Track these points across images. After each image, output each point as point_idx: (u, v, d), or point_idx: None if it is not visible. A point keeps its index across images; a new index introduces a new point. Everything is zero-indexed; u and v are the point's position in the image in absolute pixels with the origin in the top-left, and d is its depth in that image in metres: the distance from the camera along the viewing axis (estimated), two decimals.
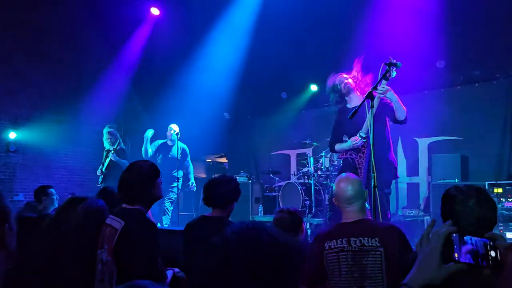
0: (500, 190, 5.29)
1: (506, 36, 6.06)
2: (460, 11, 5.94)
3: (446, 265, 1.05)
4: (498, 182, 5.48)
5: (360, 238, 2.29)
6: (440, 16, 6.09)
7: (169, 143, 6.91)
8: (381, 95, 3.73)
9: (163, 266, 2.54)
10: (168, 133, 6.85)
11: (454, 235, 1.05)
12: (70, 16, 7.35)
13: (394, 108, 3.97)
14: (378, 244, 2.25)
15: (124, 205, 2.44)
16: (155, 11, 7.93)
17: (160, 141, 6.93)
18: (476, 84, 7.12)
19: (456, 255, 1.03)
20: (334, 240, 2.34)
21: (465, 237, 1.05)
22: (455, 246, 1.04)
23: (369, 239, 2.27)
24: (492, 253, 1.03)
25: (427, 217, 6.25)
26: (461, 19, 6.10)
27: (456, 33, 6.17)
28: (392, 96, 3.87)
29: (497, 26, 5.99)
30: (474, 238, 1.04)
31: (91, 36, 7.42)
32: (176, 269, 3.03)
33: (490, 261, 1.03)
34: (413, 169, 7.78)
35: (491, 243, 1.04)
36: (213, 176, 3.37)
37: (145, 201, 2.46)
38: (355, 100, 4.29)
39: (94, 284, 2.35)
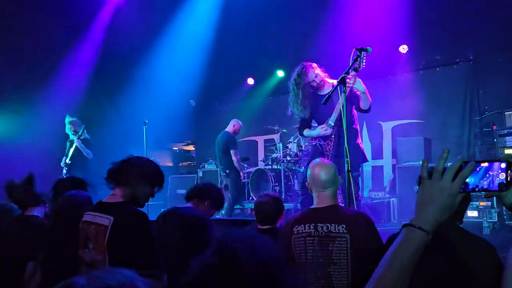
0: None
1: (465, 21, 6.26)
2: None
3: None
4: None
5: (327, 224, 2.30)
6: (403, 2, 6.22)
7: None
8: (350, 85, 3.74)
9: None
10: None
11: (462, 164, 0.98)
12: (26, 3, 6.96)
13: (360, 98, 4.07)
14: (345, 231, 2.25)
15: (104, 200, 2.30)
16: None
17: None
18: (437, 69, 7.36)
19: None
20: (302, 225, 2.35)
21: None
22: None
23: (336, 225, 2.28)
24: (501, 176, 0.98)
25: (393, 199, 6.44)
26: (422, 5, 6.24)
27: (418, 19, 6.32)
28: (360, 86, 3.93)
29: (457, 11, 6.18)
30: (483, 166, 0.99)
31: (49, 23, 7.05)
32: None
33: (504, 183, 0.98)
34: (377, 152, 7.96)
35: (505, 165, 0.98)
36: None
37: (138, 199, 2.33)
38: (326, 86, 4.33)
39: None
